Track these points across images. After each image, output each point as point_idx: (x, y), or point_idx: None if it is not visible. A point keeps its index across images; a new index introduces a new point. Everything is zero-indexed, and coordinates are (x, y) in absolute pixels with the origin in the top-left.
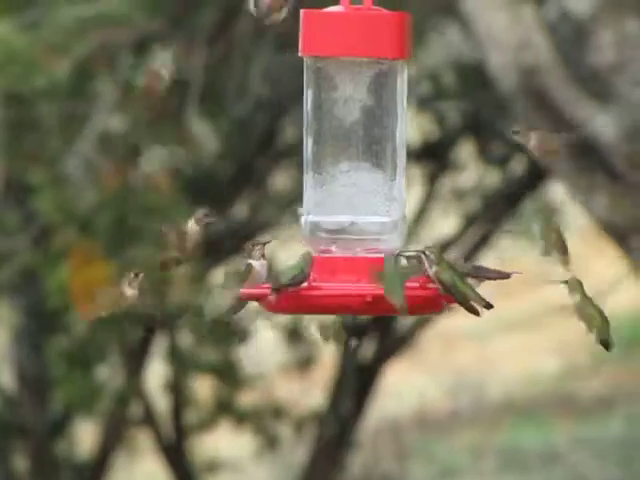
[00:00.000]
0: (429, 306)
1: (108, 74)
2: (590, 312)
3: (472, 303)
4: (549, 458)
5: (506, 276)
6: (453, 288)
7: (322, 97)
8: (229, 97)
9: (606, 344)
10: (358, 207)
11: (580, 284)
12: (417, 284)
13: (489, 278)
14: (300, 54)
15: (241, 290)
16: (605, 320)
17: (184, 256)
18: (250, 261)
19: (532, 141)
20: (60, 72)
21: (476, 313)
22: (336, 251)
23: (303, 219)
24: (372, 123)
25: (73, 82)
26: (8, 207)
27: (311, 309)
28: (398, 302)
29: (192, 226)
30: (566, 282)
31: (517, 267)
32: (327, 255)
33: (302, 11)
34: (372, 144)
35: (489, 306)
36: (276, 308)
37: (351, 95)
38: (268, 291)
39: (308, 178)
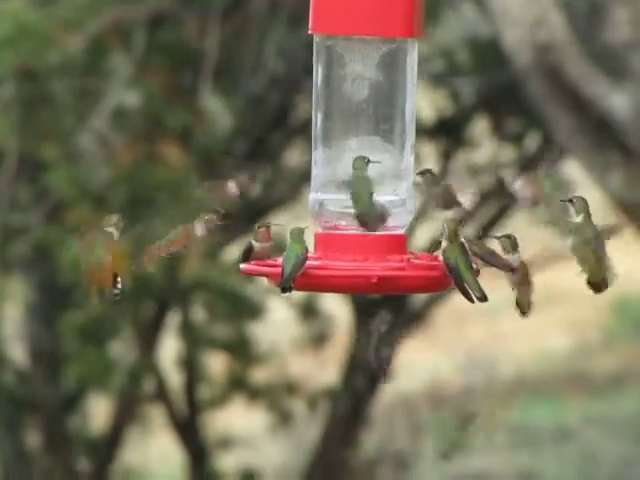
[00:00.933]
0: (435, 284)
1: (122, 50)
2: (586, 253)
3: (468, 290)
4: (561, 435)
5: (510, 269)
6: (454, 271)
7: (332, 74)
8: (243, 73)
9: (596, 287)
10: None
11: (586, 204)
12: (423, 262)
13: (495, 266)
14: (310, 32)
15: (250, 266)
16: (600, 261)
17: (223, 211)
18: (252, 241)
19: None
20: (74, 48)
21: (470, 300)
22: (344, 227)
23: (311, 195)
24: (381, 101)
25: (87, 58)
26: (21, 183)
27: (319, 288)
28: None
29: (232, 187)
30: (571, 200)
31: (530, 244)
32: (335, 232)
33: None
34: (381, 122)
35: (483, 298)
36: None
37: (360, 73)
38: (277, 270)
39: (317, 154)
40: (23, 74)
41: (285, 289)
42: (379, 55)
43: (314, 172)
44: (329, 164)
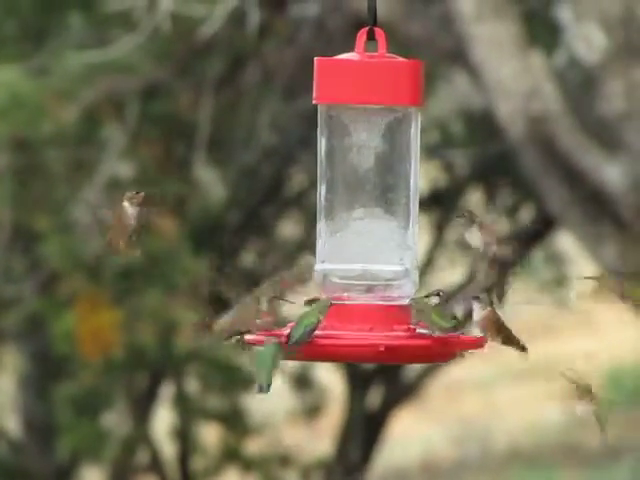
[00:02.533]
0: (442, 354)
1: (116, 121)
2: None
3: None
4: None
5: (480, 345)
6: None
7: (336, 144)
8: (236, 144)
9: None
10: (372, 255)
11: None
12: (424, 332)
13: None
14: (314, 102)
15: (252, 335)
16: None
17: (124, 239)
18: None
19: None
20: (67, 118)
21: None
22: (349, 298)
23: (316, 266)
24: (386, 171)
25: (80, 128)
26: (14, 253)
27: (323, 357)
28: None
29: (128, 208)
30: (575, 383)
31: (524, 315)
32: (340, 302)
33: (316, 59)
34: (386, 192)
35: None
36: (288, 355)
37: (365, 142)
38: (282, 339)
39: (321, 225)
40: (17, 144)
41: (291, 354)
42: (384, 124)
43: (319, 243)
44: (335, 235)
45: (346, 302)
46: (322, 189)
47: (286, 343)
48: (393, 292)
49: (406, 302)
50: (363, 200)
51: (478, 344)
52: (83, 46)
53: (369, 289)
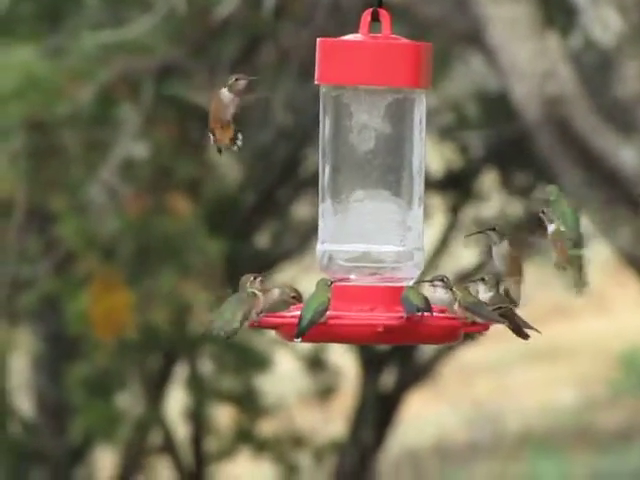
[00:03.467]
0: (447, 336)
1: (131, 102)
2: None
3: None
4: None
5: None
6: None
7: (339, 125)
8: (252, 125)
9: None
10: (373, 236)
11: (559, 193)
12: (438, 314)
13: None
14: (316, 82)
15: (259, 318)
16: (580, 255)
17: (224, 124)
18: (254, 290)
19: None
20: (83, 99)
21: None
22: (353, 279)
23: (318, 247)
24: (388, 152)
25: (96, 109)
26: (30, 234)
27: (326, 338)
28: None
29: (227, 94)
30: (544, 213)
31: (538, 298)
32: (344, 283)
33: (319, 40)
34: (388, 173)
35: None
36: (290, 337)
37: (367, 123)
38: (287, 320)
39: (325, 206)
40: (32, 125)
41: (301, 335)
42: (385, 105)
43: (321, 224)
44: (337, 216)
45: (349, 283)
46: (325, 170)
47: (297, 325)
48: (396, 273)
49: (410, 283)
50: (366, 181)
51: (483, 326)
52: (98, 26)
53: (373, 271)
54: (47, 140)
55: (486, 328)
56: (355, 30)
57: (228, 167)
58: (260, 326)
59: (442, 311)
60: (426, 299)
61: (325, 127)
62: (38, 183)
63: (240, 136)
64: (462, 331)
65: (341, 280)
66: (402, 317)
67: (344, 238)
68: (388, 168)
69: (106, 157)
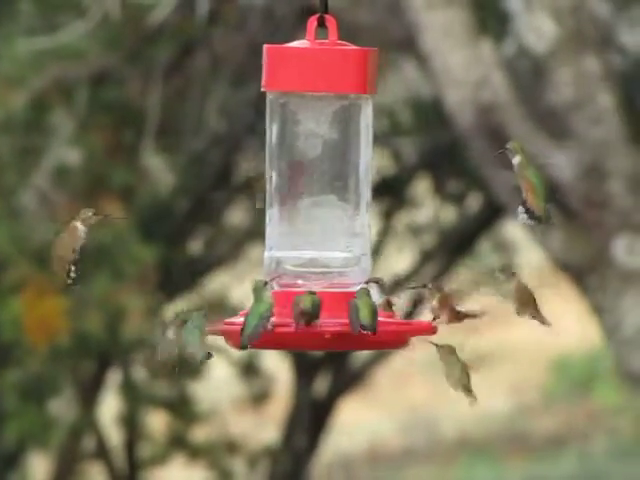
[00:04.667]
0: (390, 341)
1: (64, 108)
2: (530, 178)
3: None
4: None
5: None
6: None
7: (285, 132)
8: (185, 132)
9: (542, 212)
10: (320, 242)
11: (522, 149)
12: (388, 318)
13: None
14: (263, 89)
15: (217, 325)
16: (543, 185)
17: (72, 258)
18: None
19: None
20: (16, 105)
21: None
22: (301, 285)
23: (266, 254)
24: (335, 158)
25: (29, 115)
26: None
27: (272, 346)
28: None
29: (79, 226)
30: (508, 148)
31: (471, 304)
32: (291, 289)
33: (265, 46)
34: (335, 179)
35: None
36: (237, 345)
37: (314, 130)
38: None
39: (272, 213)
40: None
41: (244, 347)
42: (332, 112)
43: (268, 230)
44: (284, 222)
45: (295, 289)
46: (272, 176)
47: (240, 334)
48: (344, 279)
49: (355, 289)
50: (313, 187)
51: (429, 330)
52: (32, 32)
53: (321, 276)
54: None
55: (434, 332)
56: (288, 37)
57: (161, 173)
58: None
59: (389, 316)
60: (374, 312)
61: (272, 133)
62: None
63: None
64: (410, 336)
65: (289, 286)
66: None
67: (291, 244)
68: (335, 174)
69: (39, 163)
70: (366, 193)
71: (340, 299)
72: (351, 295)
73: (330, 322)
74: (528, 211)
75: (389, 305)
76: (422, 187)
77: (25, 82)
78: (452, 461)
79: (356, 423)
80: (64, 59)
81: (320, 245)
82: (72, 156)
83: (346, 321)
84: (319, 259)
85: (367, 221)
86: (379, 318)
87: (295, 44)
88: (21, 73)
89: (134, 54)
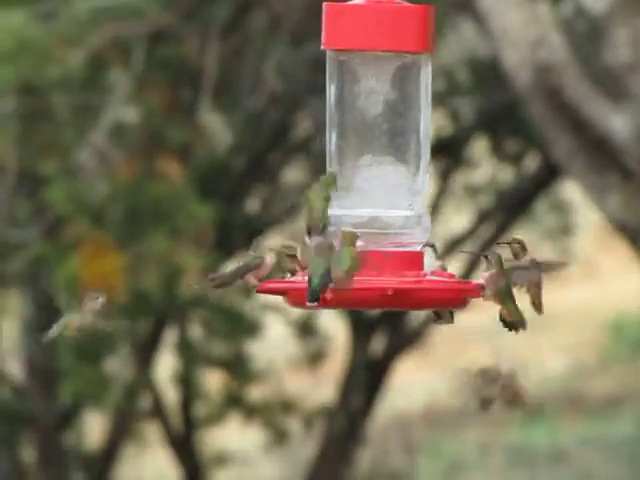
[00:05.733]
0: (450, 300)
1: (122, 66)
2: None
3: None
4: (557, 457)
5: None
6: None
7: (345, 90)
8: (243, 91)
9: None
10: (380, 201)
11: (500, 258)
12: (448, 278)
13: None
14: (322, 47)
15: (265, 284)
16: (514, 302)
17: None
18: (263, 255)
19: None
20: (74, 63)
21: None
22: (361, 244)
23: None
24: (395, 116)
25: (87, 73)
26: (20, 198)
27: (333, 303)
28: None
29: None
30: (486, 257)
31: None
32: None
33: (325, 4)
34: (395, 137)
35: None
36: (298, 303)
37: (374, 88)
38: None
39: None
40: (23, 89)
41: (314, 300)
42: (393, 70)
43: None
44: (344, 181)
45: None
46: (332, 135)
47: (307, 289)
48: (404, 238)
49: (418, 248)
50: (373, 146)
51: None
52: None
53: (381, 236)
54: (38, 104)
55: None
56: None
57: (219, 132)
58: (267, 292)
59: (451, 276)
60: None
61: (331, 92)
62: (28, 147)
63: None
64: (469, 296)
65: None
66: (412, 281)
67: (352, 203)
68: (395, 133)
69: (97, 121)
70: (426, 152)
71: (402, 258)
72: (414, 254)
73: (393, 280)
74: (506, 323)
75: (444, 269)
76: (479, 147)
77: (83, 40)
78: (507, 422)
79: (412, 383)
80: (122, 17)
81: (380, 204)
82: (129, 114)
83: (407, 279)
84: (380, 218)
85: (427, 179)
86: (436, 277)
87: (355, 1)
88: (79, 31)
89: (192, 12)
